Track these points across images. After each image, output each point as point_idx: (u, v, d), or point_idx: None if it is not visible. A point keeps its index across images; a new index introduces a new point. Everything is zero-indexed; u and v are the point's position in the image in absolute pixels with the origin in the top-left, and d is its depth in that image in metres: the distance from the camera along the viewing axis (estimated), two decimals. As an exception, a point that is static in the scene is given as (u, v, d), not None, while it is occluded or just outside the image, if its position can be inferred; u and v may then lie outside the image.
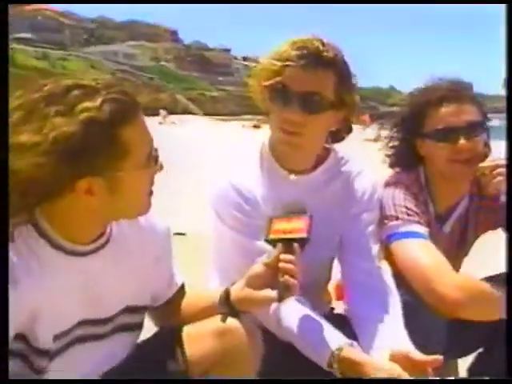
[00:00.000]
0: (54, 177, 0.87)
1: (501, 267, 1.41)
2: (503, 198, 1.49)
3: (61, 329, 1.01)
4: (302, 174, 1.33)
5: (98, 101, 0.88)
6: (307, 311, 1.19)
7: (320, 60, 1.20)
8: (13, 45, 40.96)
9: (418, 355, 1.09)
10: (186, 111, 45.73)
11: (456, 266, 1.50)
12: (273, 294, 1.04)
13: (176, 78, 55.47)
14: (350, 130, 1.38)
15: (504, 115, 1.40)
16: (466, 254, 1.62)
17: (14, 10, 56.36)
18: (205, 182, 1.39)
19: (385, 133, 1.57)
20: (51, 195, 0.91)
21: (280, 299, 1.04)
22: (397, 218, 1.38)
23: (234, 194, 1.27)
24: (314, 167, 1.34)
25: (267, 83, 1.24)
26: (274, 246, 1.09)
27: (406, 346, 1.15)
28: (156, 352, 1.12)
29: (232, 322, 1.08)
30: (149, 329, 1.23)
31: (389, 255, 1.38)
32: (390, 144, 1.55)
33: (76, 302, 1.01)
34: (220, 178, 1.30)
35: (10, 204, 0.88)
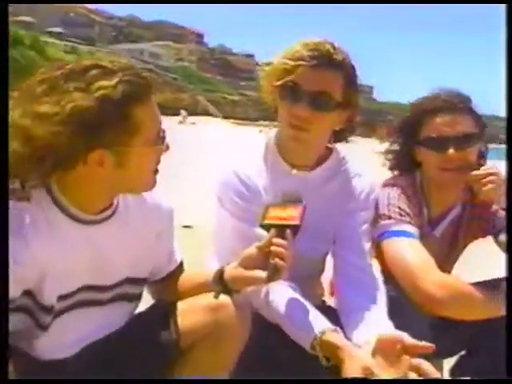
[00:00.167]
0: (68, 146, 0.96)
1: (492, 273, 1.47)
2: (495, 207, 1.55)
3: (65, 290, 1.10)
4: (304, 169, 1.40)
5: (114, 81, 0.97)
6: (296, 296, 1.26)
7: (330, 62, 1.29)
8: (44, 38, 41.89)
9: (410, 339, 1.13)
10: (206, 113, 46.11)
11: (446, 270, 1.55)
12: (263, 274, 1.12)
13: (199, 79, 55.97)
14: (353, 130, 1.45)
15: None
16: (455, 260, 1.68)
17: (47, 6, 57.72)
18: (212, 176, 1.47)
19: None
20: (66, 164, 1.00)
21: (269, 280, 1.12)
22: (389, 218, 1.45)
23: (236, 181, 1.35)
24: (316, 164, 1.42)
25: (280, 81, 1.31)
26: (269, 231, 1.17)
27: (389, 330, 1.20)
28: (151, 322, 1.21)
29: (224, 298, 1.16)
30: (147, 302, 1.32)
31: (380, 253, 1.44)
32: (391, 148, 1.63)
33: (81, 267, 1.10)
34: (225, 166, 1.39)
35: (28, 168, 0.97)
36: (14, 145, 0.95)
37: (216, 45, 78.88)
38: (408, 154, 1.57)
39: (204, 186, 1.45)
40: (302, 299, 1.26)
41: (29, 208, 1.02)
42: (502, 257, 1.46)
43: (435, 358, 1.62)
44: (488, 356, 1.50)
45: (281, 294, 1.25)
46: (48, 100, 0.96)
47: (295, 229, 1.16)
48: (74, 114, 0.94)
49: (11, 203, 1.00)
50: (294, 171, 1.40)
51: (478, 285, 1.37)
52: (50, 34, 49.53)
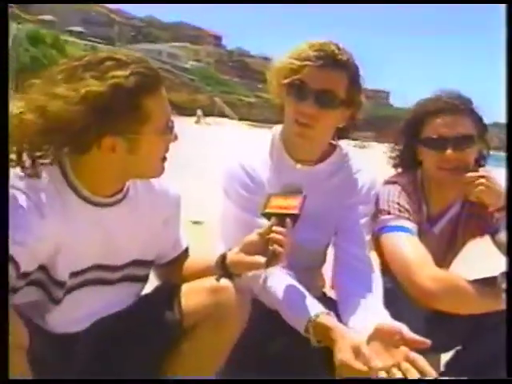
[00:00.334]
0: (81, 125, 1.04)
1: (489, 273, 1.51)
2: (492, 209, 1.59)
3: (77, 268, 1.17)
4: (307, 164, 1.47)
5: (127, 72, 1.06)
6: (293, 282, 1.32)
7: (335, 62, 1.35)
8: (65, 37, 42.57)
9: (409, 332, 1.16)
10: (223, 114, 46.33)
11: (444, 267, 1.60)
12: (262, 259, 1.18)
13: (217, 81, 56.29)
14: (355, 128, 1.51)
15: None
16: (454, 257, 1.72)
17: (68, 6, 58.68)
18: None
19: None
20: (79, 146, 1.08)
21: (267, 265, 1.18)
22: (389, 213, 1.50)
23: (242, 173, 1.42)
24: (320, 160, 1.48)
25: (287, 80, 1.38)
26: (269, 219, 1.23)
27: (387, 320, 1.24)
28: (157, 303, 1.27)
29: (225, 281, 1.22)
30: (153, 284, 1.39)
31: (378, 246, 1.50)
32: (395, 147, 1.68)
33: (92, 247, 1.18)
34: (232, 159, 1.46)
35: (41, 139, 1.06)
36: (30, 116, 1.04)
37: (234, 47, 79.40)
38: (410, 152, 1.62)
39: (215, 182, 1.52)
40: (298, 285, 1.32)
41: (45, 188, 1.10)
42: (500, 256, 1.50)
43: (431, 352, 1.67)
44: (484, 350, 1.54)
45: (278, 281, 1.31)
46: (65, 85, 1.05)
47: (295, 218, 1.22)
48: (87, 97, 1.03)
49: (28, 184, 1.08)
50: (299, 166, 1.46)
51: (473, 281, 1.41)
52: (71, 32, 50.30)
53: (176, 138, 1.18)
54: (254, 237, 1.22)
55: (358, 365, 1.12)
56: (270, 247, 1.18)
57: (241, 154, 1.48)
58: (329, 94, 1.36)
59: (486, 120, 1.61)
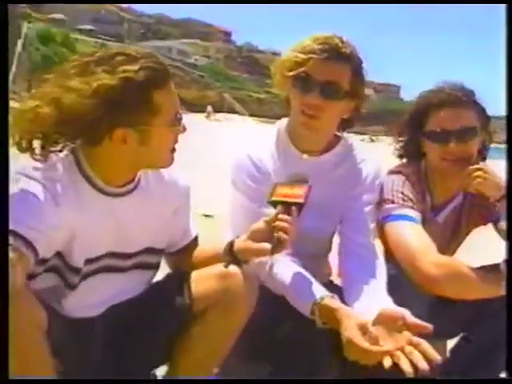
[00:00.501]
0: (93, 117, 1.09)
1: (493, 260, 1.53)
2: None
3: (91, 255, 1.23)
4: (313, 155, 1.51)
5: (137, 66, 1.11)
6: (298, 268, 1.36)
7: (339, 55, 1.40)
8: (75, 35, 42.89)
9: (412, 317, 1.19)
10: (233, 111, 46.35)
11: (448, 255, 1.63)
12: (268, 246, 1.22)
13: (226, 77, 56.29)
14: (359, 119, 1.55)
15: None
16: (458, 246, 1.75)
17: (78, 5, 59.09)
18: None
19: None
20: (91, 137, 1.14)
21: (273, 251, 1.22)
22: (393, 202, 1.53)
23: (249, 163, 1.46)
24: (325, 150, 1.52)
25: (292, 73, 1.42)
26: (276, 207, 1.27)
27: (390, 305, 1.27)
28: (168, 289, 1.33)
29: (233, 268, 1.27)
30: (164, 272, 1.44)
31: (382, 234, 1.53)
32: (400, 138, 1.71)
33: (105, 235, 1.23)
34: (239, 150, 1.50)
35: (54, 129, 1.11)
36: (45, 109, 1.09)
37: (243, 43, 79.17)
38: (414, 144, 1.65)
39: (225, 176, 1.56)
40: (303, 271, 1.36)
41: (60, 178, 1.16)
42: (503, 244, 1.52)
43: (435, 338, 1.70)
44: (487, 336, 1.56)
45: (284, 267, 1.36)
46: (77, 79, 1.11)
47: (300, 206, 1.27)
48: (99, 90, 1.08)
49: (43, 174, 1.13)
50: (305, 156, 1.50)
51: (476, 267, 1.44)
52: (81, 31, 50.66)
53: (184, 129, 1.23)
54: (260, 224, 1.26)
55: (365, 343, 1.15)
56: (275, 234, 1.22)
57: (248, 147, 1.53)
58: (333, 85, 1.40)
59: (494, 113, 1.63)
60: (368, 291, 1.34)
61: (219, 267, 1.27)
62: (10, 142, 1.10)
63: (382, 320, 1.20)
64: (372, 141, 27.71)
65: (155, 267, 1.38)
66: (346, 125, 1.54)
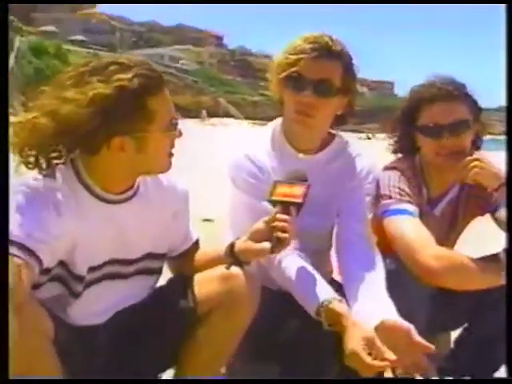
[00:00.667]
0: (90, 127, 1.10)
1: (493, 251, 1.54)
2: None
3: (94, 263, 1.24)
4: (309, 153, 1.53)
5: (130, 74, 1.12)
6: (306, 265, 1.37)
7: (329, 52, 1.42)
8: (67, 46, 42.92)
9: (417, 336, 1.21)
10: (228, 115, 46.39)
11: (448, 247, 1.64)
12: (267, 245, 1.24)
13: (220, 81, 56.35)
14: (352, 115, 1.57)
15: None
16: (456, 238, 1.77)
17: (69, 15, 59.24)
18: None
19: None
20: (89, 147, 1.15)
21: (272, 251, 1.25)
22: (390, 197, 1.55)
23: (248, 163, 1.48)
24: (320, 148, 1.54)
25: (284, 74, 1.44)
26: (275, 206, 1.29)
27: (392, 311, 1.29)
28: (171, 293, 1.34)
29: (235, 269, 1.28)
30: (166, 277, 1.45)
31: (380, 230, 1.54)
32: (394, 133, 1.73)
33: (106, 242, 1.24)
34: (237, 150, 1.52)
35: (53, 141, 1.13)
36: (43, 120, 1.11)
37: (236, 46, 79.34)
38: (408, 138, 1.67)
39: (223, 180, 1.58)
40: (311, 268, 1.37)
41: (60, 188, 1.17)
42: (501, 234, 1.54)
43: (438, 330, 1.72)
44: (489, 326, 1.57)
45: (292, 264, 1.37)
46: (73, 89, 1.12)
47: (298, 206, 1.28)
48: (95, 99, 1.10)
49: (44, 185, 1.15)
50: (301, 155, 1.52)
51: (475, 258, 1.46)
52: (73, 42, 50.70)
53: (180, 134, 1.25)
54: (260, 225, 1.28)
55: (368, 358, 1.17)
56: (274, 234, 1.24)
57: (245, 147, 1.54)
58: (325, 83, 1.42)
59: (490, 105, 1.65)
60: (367, 290, 1.34)
61: (221, 269, 1.29)
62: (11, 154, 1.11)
63: (385, 329, 1.22)
64: (369, 138, 27.77)
65: (158, 272, 1.39)
66: (340, 121, 1.56)
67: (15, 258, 1.02)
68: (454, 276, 1.41)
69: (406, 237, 1.46)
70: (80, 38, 55.25)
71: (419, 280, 1.43)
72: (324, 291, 1.31)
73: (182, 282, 1.33)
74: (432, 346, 1.20)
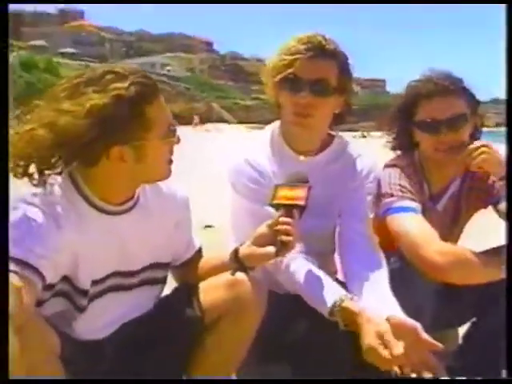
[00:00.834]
0: (88, 137, 1.09)
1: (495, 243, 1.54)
2: (492, 178, 1.63)
3: (97, 276, 1.22)
4: (309, 154, 1.52)
5: (126, 83, 1.11)
6: (314, 267, 1.36)
7: (323, 52, 1.42)
8: (58, 59, 42.89)
9: (424, 334, 1.20)
10: (222, 120, 46.40)
11: (451, 242, 1.63)
12: (272, 249, 1.23)
13: (211, 87, 56.37)
14: (350, 113, 1.56)
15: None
16: (460, 232, 1.76)
17: (58, 28, 59.27)
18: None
19: None
20: (88, 158, 1.13)
21: (277, 254, 1.23)
22: (392, 195, 1.54)
23: (248, 168, 1.47)
24: (320, 150, 1.53)
25: (280, 76, 1.43)
26: (277, 209, 1.28)
27: (396, 307, 1.28)
28: (177, 303, 1.33)
29: (240, 275, 1.27)
30: (171, 287, 1.43)
31: (383, 229, 1.53)
32: (391, 130, 1.72)
33: (109, 254, 1.23)
34: (236, 155, 1.50)
35: (51, 153, 1.11)
36: (41, 132, 1.09)
37: (226, 51, 79.55)
38: (406, 134, 1.66)
39: (222, 185, 1.57)
40: (319, 270, 1.36)
41: (59, 201, 1.15)
42: (503, 227, 1.53)
43: (445, 327, 1.71)
44: (495, 321, 1.56)
45: (300, 267, 1.36)
46: (69, 101, 1.11)
47: (301, 209, 1.27)
48: (92, 110, 1.08)
49: (42, 199, 1.13)
50: (301, 157, 1.51)
51: (479, 252, 1.45)
52: (63, 55, 50.68)
53: (179, 140, 1.24)
54: (263, 229, 1.27)
55: (385, 352, 1.16)
56: (279, 238, 1.23)
57: (244, 152, 1.52)
58: (322, 82, 1.42)
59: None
60: (371, 289, 1.34)
61: (227, 276, 1.28)
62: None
63: (392, 327, 1.21)
64: (364, 137, 27.82)
65: (162, 282, 1.37)
66: (338, 120, 1.55)
67: (17, 275, 1.01)
68: (459, 271, 1.40)
69: (411, 234, 1.45)
70: (70, 50, 55.27)
71: (424, 276, 1.42)
72: (335, 291, 1.31)
73: (188, 291, 1.32)
74: (439, 344, 1.20)
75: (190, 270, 1.41)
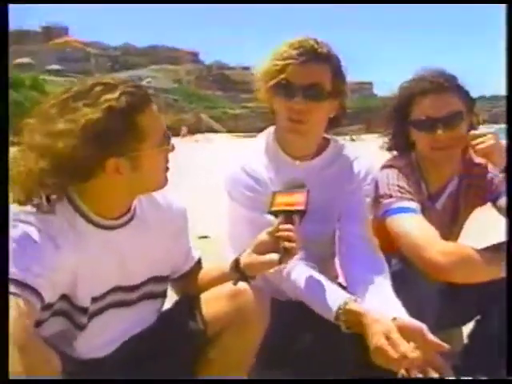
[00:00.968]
0: (86, 155, 1.06)
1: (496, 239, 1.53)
2: (490, 175, 1.63)
3: (97, 292, 1.20)
4: (305, 159, 1.50)
5: (117, 93, 1.09)
6: (316, 273, 1.35)
7: (316, 56, 1.40)
8: (44, 76, 42.75)
9: (430, 334, 1.19)
10: (211, 130, 46.40)
11: (451, 240, 1.63)
12: (275, 257, 1.21)
13: (199, 97, 56.39)
14: (345, 117, 1.55)
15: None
16: (459, 230, 1.76)
17: (44, 46, 59.14)
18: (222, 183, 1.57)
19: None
20: (85, 174, 1.11)
21: (281, 261, 1.21)
22: (390, 196, 1.53)
23: (244, 176, 1.45)
24: (316, 154, 1.52)
25: (273, 82, 1.42)
26: (277, 216, 1.26)
27: (398, 308, 1.28)
28: (179, 316, 1.30)
29: (242, 285, 1.25)
30: (172, 300, 1.41)
31: (383, 231, 1.52)
32: (387, 130, 1.72)
33: (107, 270, 1.20)
34: (232, 163, 1.49)
35: (51, 181, 1.08)
36: (42, 163, 1.06)
37: (212, 61, 79.72)
38: (402, 135, 1.66)
39: (216, 194, 1.55)
40: (320, 275, 1.35)
41: (55, 219, 1.12)
42: (503, 224, 1.53)
43: (449, 325, 1.70)
44: (499, 317, 1.56)
45: (302, 272, 1.34)
46: (62, 120, 1.08)
47: (301, 214, 1.26)
48: (86, 126, 1.06)
49: (38, 218, 1.11)
50: (297, 162, 1.50)
51: (481, 249, 1.44)
52: (49, 72, 50.54)
53: (173, 148, 1.22)
54: (263, 236, 1.25)
55: (393, 352, 1.15)
56: (281, 244, 1.21)
57: (239, 159, 1.51)
58: (315, 87, 1.40)
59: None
60: (374, 292, 1.32)
61: (228, 286, 1.26)
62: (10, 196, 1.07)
63: (397, 329, 1.19)
64: (353, 140, 27.95)
65: (162, 295, 1.35)
66: (333, 124, 1.54)
67: (15, 296, 0.98)
68: (462, 270, 1.39)
69: (411, 235, 1.44)
70: (56, 67, 55.13)
71: (426, 277, 1.41)
72: (338, 295, 1.29)
73: (189, 303, 1.30)
74: (446, 345, 1.19)
75: (189, 281, 1.39)
